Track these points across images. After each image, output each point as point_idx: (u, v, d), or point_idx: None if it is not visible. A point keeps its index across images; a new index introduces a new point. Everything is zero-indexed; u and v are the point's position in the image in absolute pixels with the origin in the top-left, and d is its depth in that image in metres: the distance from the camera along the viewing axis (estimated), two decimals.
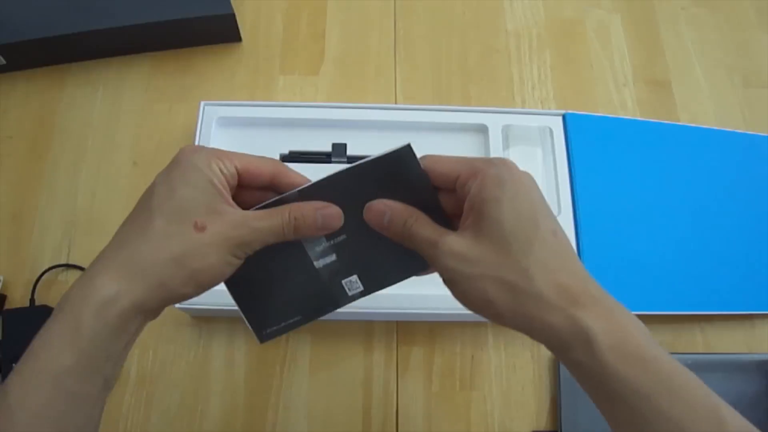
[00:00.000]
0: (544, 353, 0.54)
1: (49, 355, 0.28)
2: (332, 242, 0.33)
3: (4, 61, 0.61)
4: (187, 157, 0.31)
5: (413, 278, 0.54)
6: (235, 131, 0.58)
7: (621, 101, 0.65)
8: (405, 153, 0.31)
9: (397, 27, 0.68)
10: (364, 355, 0.54)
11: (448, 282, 0.31)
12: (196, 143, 0.55)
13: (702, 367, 0.53)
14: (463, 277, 0.29)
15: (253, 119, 0.58)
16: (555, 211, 0.54)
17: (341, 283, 0.34)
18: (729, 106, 0.66)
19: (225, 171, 0.31)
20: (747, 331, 0.56)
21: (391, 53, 0.66)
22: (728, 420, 0.27)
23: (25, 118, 0.61)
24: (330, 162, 0.57)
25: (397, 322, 0.55)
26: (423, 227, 0.31)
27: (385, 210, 0.32)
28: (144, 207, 0.31)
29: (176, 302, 0.30)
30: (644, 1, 0.71)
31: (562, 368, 0.52)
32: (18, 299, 0.54)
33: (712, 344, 0.56)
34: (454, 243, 0.30)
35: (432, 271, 0.34)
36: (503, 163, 0.30)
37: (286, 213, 0.31)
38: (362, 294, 0.35)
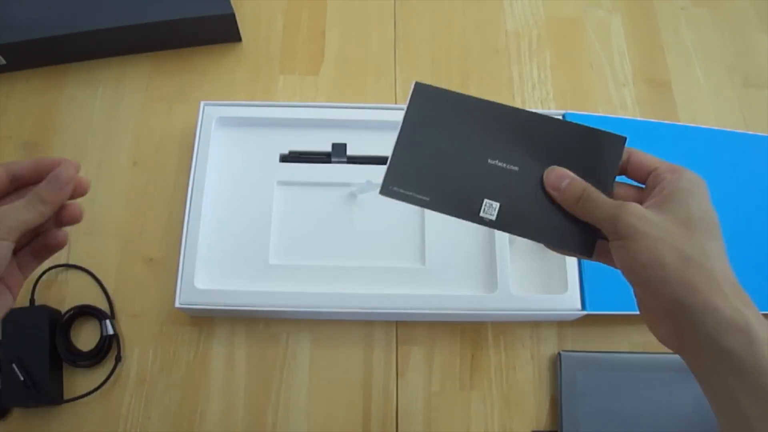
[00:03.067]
0: (544, 353, 0.54)
1: None
2: (504, 164, 0.35)
3: (4, 61, 0.61)
4: None
5: (413, 279, 0.54)
6: (235, 131, 0.58)
7: (621, 101, 0.65)
8: (619, 140, 0.35)
9: (397, 27, 0.68)
10: (364, 355, 0.54)
11: (623, 238, 0.31)
12: (196, 143, 0.55)
13: None
14: (644, 235, 0.30)
15: (253, 119, 0.58)
16: None
17: (483, 200, 0.35)
18: (729, 106, 0.66)
19: None
20: None
21: (391, 53, 0.66)
22: None
23: (25, 118, 0.61)
24: (330, 162, 0.57)
25: (397, 322, 0.55)
26: (602, 196, 0.33)
27: (567, 176, 0.34)
28: None
29: None
30: (644, 1, 0.71)
31: (563, 368, 0.52)
32: (18, 299, 0.54)
33: None
34: (640, 207, 0.31)
35: (566, 253, 0.36)
36: (693, 172, 0.34)
37: (31, 197, 0.33)
38: (491, 224, 0.35)
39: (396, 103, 0.63)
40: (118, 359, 0.52)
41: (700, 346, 0.29)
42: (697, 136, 0.61)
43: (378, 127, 0.57)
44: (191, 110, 0.59)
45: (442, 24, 0.68)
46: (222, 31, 0.64)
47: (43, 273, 0.54)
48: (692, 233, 0.30)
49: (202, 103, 0.57)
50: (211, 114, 0.57)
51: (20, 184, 0.36)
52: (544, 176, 0.34)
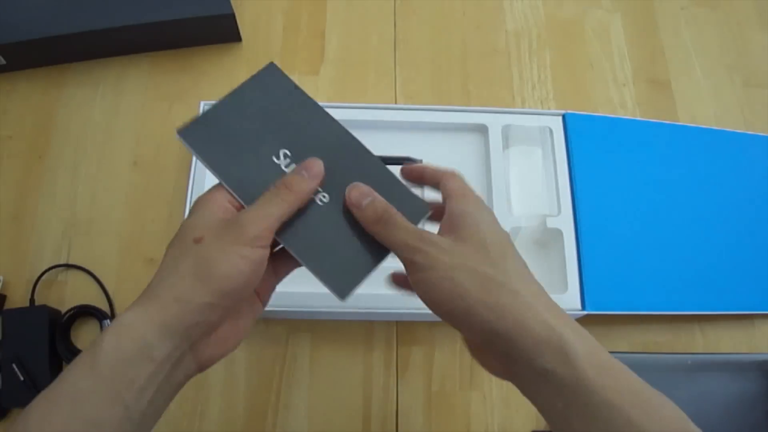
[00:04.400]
0: None
1: (69, 379, 0.28)
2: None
3: (4, 61, 0.61)
4: (198, 201, 0.33)
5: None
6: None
7: (621, 101, 0.65)
8: (423, 210, 0.35)
9: (397, 27, 0.68)
10: (364, 355, 0.54)
11: (422, 271, 0.30)
12: None
13: (702, 367, 0.53)
14: (442, 264, 0.29)
15: None
16: (555, 211, 0.54)
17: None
18: (729, 106, 0.66)
19: (233, 200, 0.33)
20: (747, 331, 0.56)
21: (391, 53, 0.66)
22: None
23: (25, 118, 0.61)
24: None
25: (397, 322, 0.55)
26: (405, 221, 0.32)
27: (370, 194, 0.33)
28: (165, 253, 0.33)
29: (202, 316, 0.30)
30: (644, 1, 0.71)
31: None
32: (18, 299, 0.54)
33: (712, 344, 0.56)
34: (437, 237, 0.31)
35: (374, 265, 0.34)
36: (480, 198, 0.33)
37: (276, 187, 0.32)
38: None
39: (396, 103, 0.63)
40: None
41: (521, 370, 0.28)
42: (697, 136, 0.61)
43: (378, 127, 0.57)
44: (191, 110, 0.59)
45: (442, 24, 0.68)
46: (222, 31, 0.64)
47: (43, 273, 0.54)
48: (489, 255, 0.30)
49: (202, 103, 0.57)
50: None
51: None
52: (347, 192, 0.33)
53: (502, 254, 0.30)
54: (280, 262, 0.36)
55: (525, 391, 0.29)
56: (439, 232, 0.32)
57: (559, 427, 0.28)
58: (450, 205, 0.32)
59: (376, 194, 0.33)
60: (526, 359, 0.28)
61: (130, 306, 0.30)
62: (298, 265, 0.35)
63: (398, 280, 0.38)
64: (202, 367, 0.32)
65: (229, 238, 0.30)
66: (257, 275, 0.31)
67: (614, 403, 0.26)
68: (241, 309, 0.34)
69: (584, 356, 0.27)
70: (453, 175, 0.34)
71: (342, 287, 0.33)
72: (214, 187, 0.34)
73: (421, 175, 0.36)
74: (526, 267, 0.31)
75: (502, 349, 0.29)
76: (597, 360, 0.27)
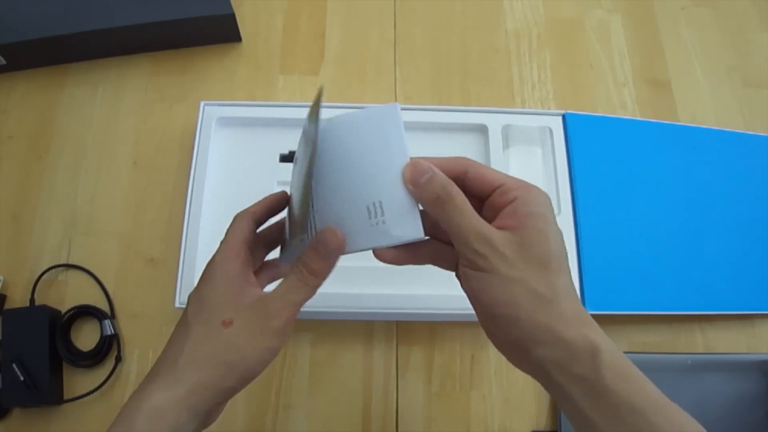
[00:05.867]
0: None
1: None
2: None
3: (4, 61, 0.61)
4: (209, 266, 0.34)
5: (413, 279, 0.54)
6: (235, 131, 0.58)
7: (621, 101, 0.65)
8: (392, 109, 0.32)
9: (397, 27, 0.68)
10: (364, 355, 0.54)
11: (480, 270, 0.31)
12: (196, 143, 0.55)
13: (702, 367, 0.53)
14: (497, 272, 0.30)
15: (253, 119, 0.58)
16: (555, 211, 0.54)
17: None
18: (729, 106, 0.66)
19: (242, 243, 0.34)
20: (747, 331, 0.56)
21: (391, 53, 0.66)
22: None
23: (25, 118, 0.61)
24: None
25: (397, 322, 0.55)
26: (465, 203, 0.31)
27: (428, 170, 0.31)
28: (183, 321, 0.33)
29: (225, 397, 0.31)
30: (644, 1, 0.71)
31: None
32: (18, 299, 0.54)
33: (712, 344, 0.56)
34: (498, 238, 0.30)
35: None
36: (540, 188, 0.32)
37: (298, 272, 0.32)
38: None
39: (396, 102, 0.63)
40: (118, 359, 0.52)
41: (550, 372, 0.30)
42: (697, 136, 0.61)
43: None
44: (191, 110, 0.59)
45: (442, 24, 0.68)
46: (222, 31, 0.64)
47: (43, 273, 0.54)
48: (546, 271, 0.30)
49: (202, 103, 0.57)
50: (211, 114, 0.57)
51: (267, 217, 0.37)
52: (404, 170, 0.31)
53: (558, 269, 0.31)
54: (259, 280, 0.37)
55: (549, 388, 0.31)
56: (497, 223, 0.31)
57: (581, 424, 0.29)
58: (516, 202, 0.31)
59: (436, 170, 0.31)
60: (561, 367, 0.29)
61: (152, 379, 0.31)
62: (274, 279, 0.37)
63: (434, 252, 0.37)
64: (206, 426, 0.33)
65: (258, 328, 0.31)
66: (276, 356, 0.33)
67: (638, 407, 0.28)
68: None
69: (613, 366, 0.29)
70: (480, 164, 0.33)
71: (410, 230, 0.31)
72: (226, 249, 0.34)
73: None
74: (571, 282, 0.32)
75: (539, 356, 0.30)
76: (624, 368, 0.29)
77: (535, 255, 0.30)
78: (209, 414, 0.32)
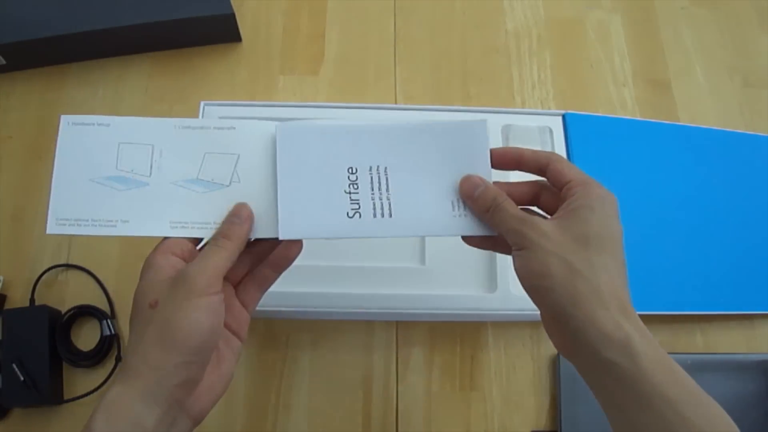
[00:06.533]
0: (544, 353, 0.54)
1: None
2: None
3: (4, 61, 0.61)
4: (145, 264, 0.35)
5: (413, 279, 0.54)
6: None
7: (621, 101, 0.65)
8: (480, 125, 0.37)
9: (397, 27, 0.68)
10: (364, 355, 0.54)
11: (522, 249, 0.33)
12: None
13: (702, 367, 0.53)
14: (539, 247, 0.32)
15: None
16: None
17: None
18: (729, 106, 0.66)
19: (177, 252, 0.34)
20: (747, 331, 0.56)
21: (391, 53, 0.66)
22: None
23: (25, 118, 0.61)
24: None
25: (397, 322, 0.55)
26: (512, 205, 0.34)
27: (480, 184, 0.35)
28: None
29: (181, 377, 0.31)
30: (644, 1, 0.71)
31: (562, 368, 0.52)
32: (18, 299, 0.54)
33: (712, 344, 0.56)
34: (541, 221, 0.33)
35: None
36: (603, 187, 0.34)
37: (213, 239, 0.34)
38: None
39: (396, 103, 0.63)
40: (119, 359, 0.52)
41: (584, 354, 0.31)
42: (697, 136, 0.61)
43: None
44: (191, 110, 0.59)
45: (442, 24, 0.68)
46: (222, 31, 0.64)
47: (43, 273, 0.54)
48: (585, 248, 0.31)
49: (202, 103, 0.57)
50: (211, 114, 0.57)
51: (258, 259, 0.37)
52: (459, 185, 0.36)
53: (600, 248, 0.32)
54: (246, 295, 0.37)
55: (583, 374, 0.32)
56: (554, 217, 0.34)
57: (612, 411, 0.30)
58: (573, 195, 0.33)
59: (487, 183, 0.35)
60: (592, 348, 0.30)
61: (111, 384, 0.31)
62: (265, 291, 0.37)
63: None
64: (197, 421, 0.33)
65: (181, 295, 0.31)
66: (218, 322, 0.32)
67: (669, 397, 0.28)
68: (220, 354, 0.35)
69: (646, 354, 0.29)
70: (562, 160, 0.36)
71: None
72: (160, 246, 0.35)
73: (518, 161, 0.37)
74: (619, 266, 0.33)
75: (571, 332, 0.31)
76: (658, 358, 0.29)
77: (574, 234, 0.32)
78: (183, 403, 0.31)
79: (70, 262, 0.55)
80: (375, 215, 0.35)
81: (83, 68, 0.63)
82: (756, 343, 0.56)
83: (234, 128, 0.37)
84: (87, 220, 0.35)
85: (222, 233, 0.34)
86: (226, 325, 0.35)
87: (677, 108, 0.65)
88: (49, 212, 0.35)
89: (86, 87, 0.63)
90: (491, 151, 0.37)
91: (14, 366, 0.49)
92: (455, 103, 0.63)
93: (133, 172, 0.36)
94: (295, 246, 0.37)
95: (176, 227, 0.35)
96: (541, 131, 0.58)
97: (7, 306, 0.53)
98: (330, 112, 0.58)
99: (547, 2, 0.70)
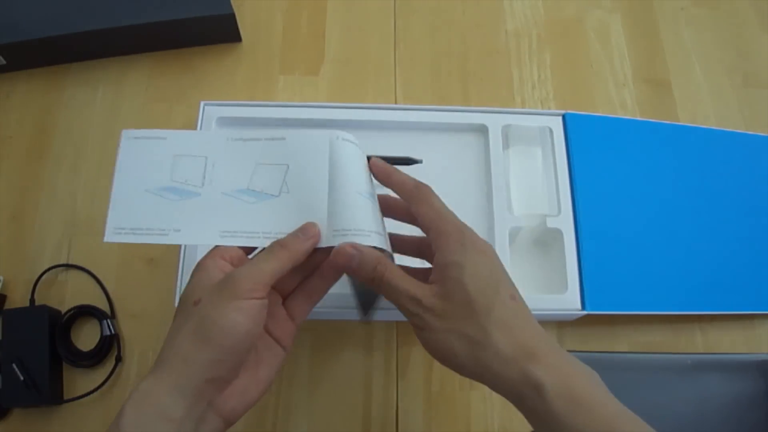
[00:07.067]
0: None
1: None
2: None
3: (4, 61, 0.61)
4: (196, 267, 0.35)
5: None
6: (235, 131, 0.58)
7: (620, 101, 0.65)
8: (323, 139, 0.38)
9: (397, 27, 0.68)
10: (364, 355, 0.54)
11: (420, 329, 0.34)
12: None
13: (702, 367, 0.53)
14: (433, 328, 0.33)
15: (253, 119, 0.58)
16: (555, 211, 0.54)
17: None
18: (729, 106, 0.66)
19: (227, 257, 0.35)
20: (747, 331, 0.56)
21: (391, 53, 0.66)
22: None
23: (25, 118, 0.61)
24: None
25: (397, 322, 0.55)
26: (394, 275, 0.34)
27: (353, 254, 0.34)
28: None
29: (210, 373, 0.31)
30: (644, 1, 0.71)
31: None
32: (18, 299, 0.54)
33: (712, 344, 0.56)
34: (426, 294, 0.33)
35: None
36: (465, 230, 0.35)
37: (269, 246, 0.34)
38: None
39: (396, 103, 0.63)
40: (118, 359, 0.52)
41: (518, 407, 0.33)
42: (697, 136, 0.61)
43: (378, 127, 0.57)
44: (191, 110, 0.59)
45: (442, 24, 0.68)
46: (222, 31, 0.64)
47: (43, 273, 0.54)
48: (473, 315, 0.32)
49: (202, 104, 0.57)
50: (211, 114, 0.57)
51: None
52: (332, 258, 0.34)
53: (487, 307, 0.32)
54: (295, 306, 0.37)
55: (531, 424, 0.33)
56: (430, 279, 0.34)
57: None
58: (438, 252, 0.34)
59: (361, 250, 0.34)
60: (515, 402, 0.32)
61: (146, 376, 0.31)
62: (315, 303, 0.38)
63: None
64: (228, 422, 0.33)
65: (225, 295, 0.31)
66: (256, 326, 0.32)
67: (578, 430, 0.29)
68: (260, 358, 0.35)
69: (557, 396, 0.30)
70: (422, 201, 0.35)
71: None
72: (211, 251, 0.35)
73: (386, 181, 0.37)
74: (518, 306, 0.33)
75: (490, 388, 0.33)
76: (572, 397, 0.30)
77: (457, 303, 0.32)
78: (213, 401, 0.32)
79: (70, 262, 0.55)
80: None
81: (83, 68, 0.63)
82: (756, 343, 0.56)
83: (284, 139, 0.37)
84: (142, 229, 0.36)
85: (280, 242, 0.34)
86: (268, 332, 0.35)
87: (677, 108, 0.65)
88: (108, 221, 0.36)
89: (86, 87, 0.63)
90: (370, 160, 0.37)
91: (14, 366, 0.49)
92: (455, 103, 0.63)
93: (186, 183, 0.37)
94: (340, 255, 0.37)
95: (226, 236, 0.36)
96: (541, 131, 0.58)
97: (7, 306, 0.53)
98: (330, 112, 0.58)
99: (547, 2, 0.70)
